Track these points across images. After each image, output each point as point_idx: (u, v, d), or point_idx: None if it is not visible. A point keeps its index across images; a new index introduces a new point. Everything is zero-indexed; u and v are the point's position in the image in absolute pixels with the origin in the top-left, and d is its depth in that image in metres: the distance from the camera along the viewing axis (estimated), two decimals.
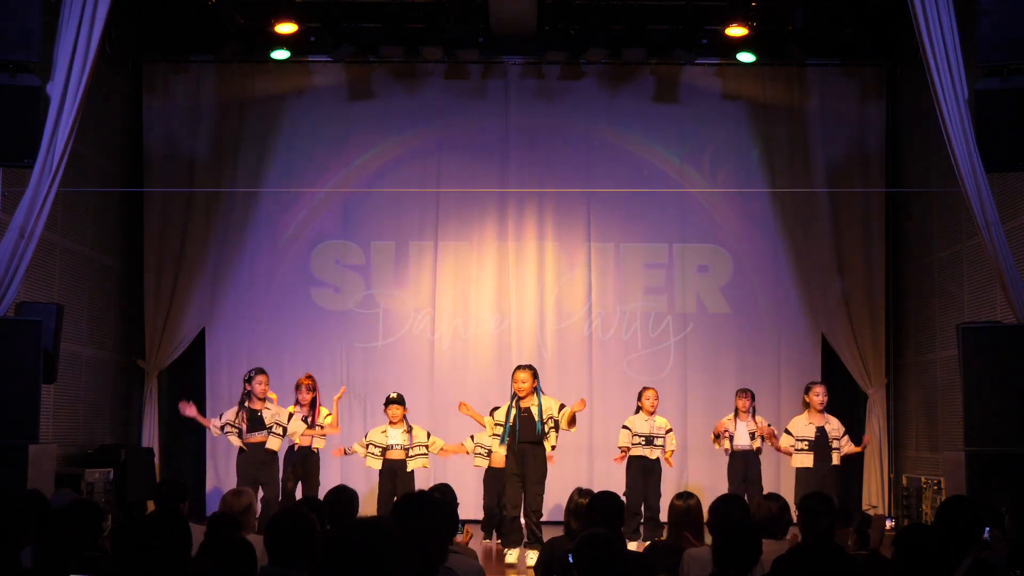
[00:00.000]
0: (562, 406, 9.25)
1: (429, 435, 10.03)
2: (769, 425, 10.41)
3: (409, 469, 9.78)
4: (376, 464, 9.82)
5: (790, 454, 10.00)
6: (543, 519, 9.36)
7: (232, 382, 12.20)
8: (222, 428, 9.64)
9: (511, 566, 8.93)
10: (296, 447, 9.93)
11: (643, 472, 9.97)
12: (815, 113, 12.50)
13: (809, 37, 11.85)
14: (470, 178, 12.36)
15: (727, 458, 10.37)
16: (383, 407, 9.99)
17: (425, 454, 9.89)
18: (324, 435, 10.13)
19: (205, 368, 12.36)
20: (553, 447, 9.30)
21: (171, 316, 12.23)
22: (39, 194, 7.94)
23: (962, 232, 10.62)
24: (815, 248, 12.41)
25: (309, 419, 9.96)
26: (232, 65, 12.41)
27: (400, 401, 9.90)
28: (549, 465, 9.31)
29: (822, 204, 12.42)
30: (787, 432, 10.11)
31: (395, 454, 9.79)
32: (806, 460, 9.89)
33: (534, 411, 9.17)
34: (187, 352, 12.37)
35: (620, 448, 10.11)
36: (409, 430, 9.85)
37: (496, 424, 9.34)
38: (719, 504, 5.29)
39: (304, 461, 9.95)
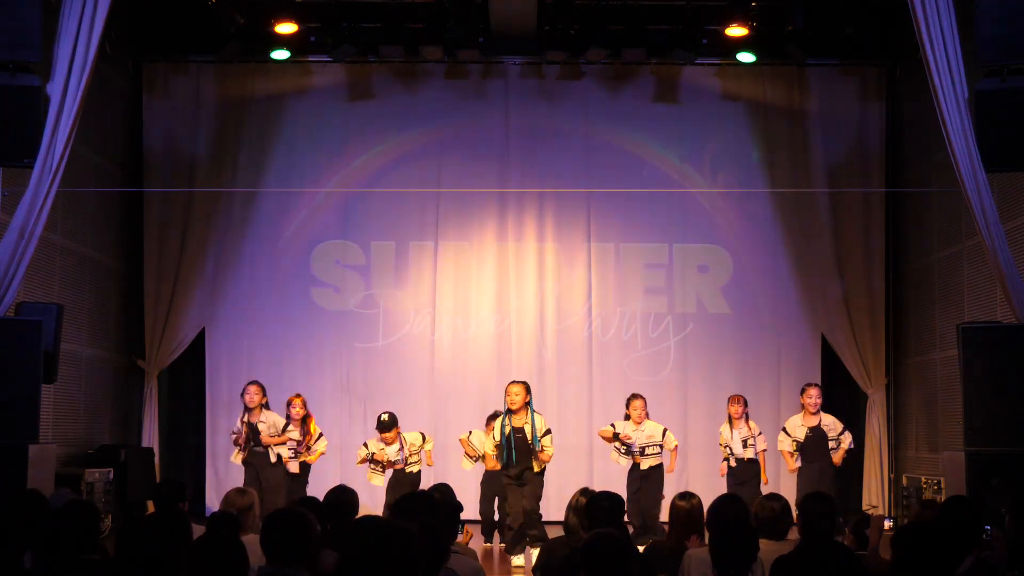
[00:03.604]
0: (547, 431, 9.30)
1: (424, 437, 10.05)
2: (760, 433, 10.33)
3: (408, 471, 9.88)
4: (379, 481, 9.93)
5: (791, 454, 10.03)
6: (544, 519, 9.41)
7: (232, 382, 12.20)
8: (234, 442, 10.06)
9: (519, 567, 8.93)
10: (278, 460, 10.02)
11: (638, 479, 9.93)
12: (815, 113, 12.50)
13: (809, 37, 11.84)
14: (470, 178, 12.35)
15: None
16: (376, 429, 9.93)
17: (419, 460, 9.96)
18: (311, 453, 10.23)
19: (205, 368, 12.35)
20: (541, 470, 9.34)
21: (171, 316, 12.22)
22: (39, 194, 7.94)
23: (962, 232, 10.61)
24: (815, 248, 12.41)
25: (302, 442, 10.03)
26: (232, 65, 12.40)
27: (390, 425, 9.83)
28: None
29: (822, 204, 12.42)
30: (784, 431, 10.15)
31: (392, 466, 9.92)
32: (793, 462, 10.00)
33: (527, 431, 9.22)
34: (187, 352, 12.37)
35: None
36: (402, 446, 9.88)
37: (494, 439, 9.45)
38: (717, 503, 5.30)
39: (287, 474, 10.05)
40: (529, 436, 9.19)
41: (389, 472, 9.97)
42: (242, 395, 10.12)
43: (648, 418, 10.13)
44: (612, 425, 10.15)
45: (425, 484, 9.20)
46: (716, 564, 4.36)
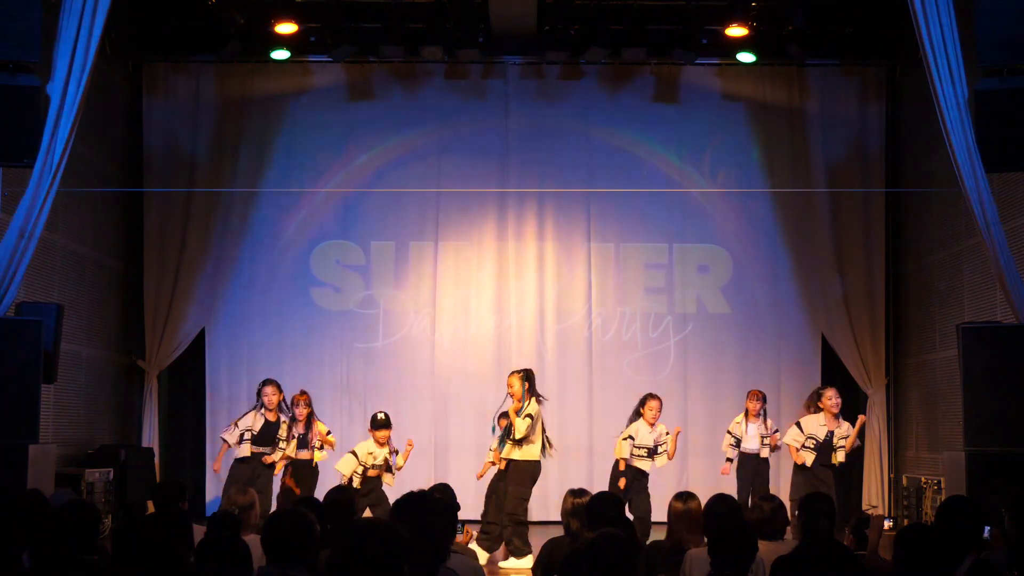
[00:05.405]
0: (529, 415, 9.10)
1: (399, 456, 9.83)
2: (776, 431, 10.34)
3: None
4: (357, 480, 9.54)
5: (797, 449, 9.91)
6: (543, 520, 9.35)
7: (232, 382, 12.21)
8: (240, 438, 9.85)
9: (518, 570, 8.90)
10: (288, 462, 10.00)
11: (635, 478, 9.80)
12: (815, 113, 12.50)
13: (809, 37, 11.84)
14: (470, 178, 12.35)
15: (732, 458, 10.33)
16: (370, 428, 9.70)
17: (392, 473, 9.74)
18: (322, 448, 10.16)
19: (205, 368, 12.35)
20: (500, 458, 9.22)
21: (171, 316, 12.21)
22: (39, 194, 7.94)
23: (962, 232, 10.61)
24: (815, 248, 12.41)
25: (307, 437, 10.00)
26: (232, 65, 12.39)
27: (387, 424, 9.62)
28: (490, 471, 9.37)
29: (822, 204, 12.41)
30: (797, 426, 10.02)
31: (373, 472, 9.57)
32: (807, 457, 9.84)
33: (514, 421, 9.13)
34: (187, 352, 12.37)
35: (621, 459, 9.80)
36: (394, 452, 9.68)
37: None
38: (712, 504, 5.30)
39: (296, 472, 9.98)
40: (514, 428, 9.09)
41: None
42: (259, 393, 9.95)
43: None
44: (629, 436, 9.84)
45: (425, 484, 9.17)
46: (715, 564, 4.36)
